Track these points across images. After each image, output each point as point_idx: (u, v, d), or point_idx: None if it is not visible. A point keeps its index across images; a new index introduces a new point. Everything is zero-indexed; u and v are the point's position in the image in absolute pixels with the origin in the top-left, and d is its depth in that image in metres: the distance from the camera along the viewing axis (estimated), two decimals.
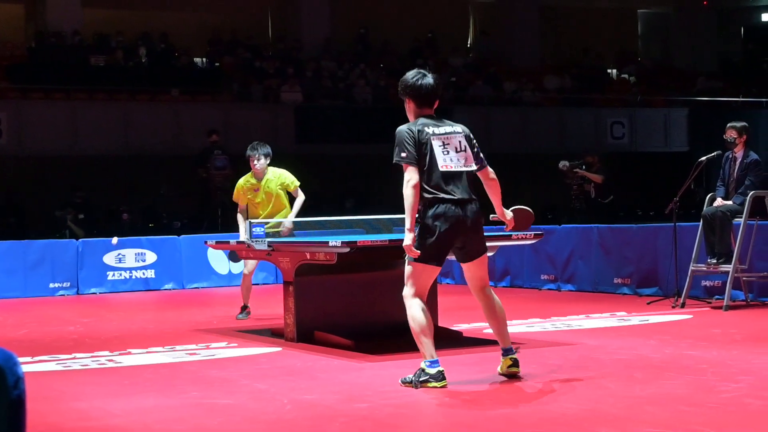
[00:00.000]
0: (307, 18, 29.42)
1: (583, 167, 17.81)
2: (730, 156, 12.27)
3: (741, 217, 11.75)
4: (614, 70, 33.47)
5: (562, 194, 19.62)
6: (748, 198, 11.73)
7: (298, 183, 12.23)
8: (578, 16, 34.69)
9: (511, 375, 7.34)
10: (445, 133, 7.26)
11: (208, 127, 21.47)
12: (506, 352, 7.37)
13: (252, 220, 10.56)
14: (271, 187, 12.19)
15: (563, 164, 17.84)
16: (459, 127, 7.39)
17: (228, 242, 11.64)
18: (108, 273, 16.49)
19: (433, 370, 7.07)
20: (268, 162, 12.22)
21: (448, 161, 7.18)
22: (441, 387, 7.01)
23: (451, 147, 7.24)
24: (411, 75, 7.40)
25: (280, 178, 12.23)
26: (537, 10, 32.90)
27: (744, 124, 12.32)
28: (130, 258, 16.68)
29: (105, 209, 22.17)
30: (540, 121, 26.79)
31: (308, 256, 9.40)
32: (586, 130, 27.91)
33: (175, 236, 17.42)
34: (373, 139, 23.66)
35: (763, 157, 12.60)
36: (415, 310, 7.16)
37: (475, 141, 7.42)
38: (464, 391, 6.96)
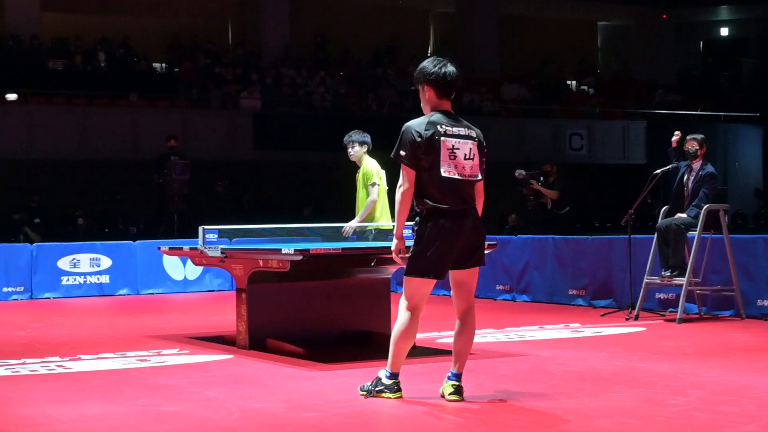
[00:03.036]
0: (267, 25, 29.36)
1: (541, 177, 17.54)
2: (686, 167, 12.30)
3: (695, 230, 11.80)
4: (573, 82, 33.63)
5: (518, 206, 19.60)
6: (702, 211, 11.78)
7: (374, 180, 11.24)
8: (538, 28, 34.87)
9: (450, 400, 6.91)
10: (458, 136, 6.81)
11: (166, 133, 21.30)
12: (456, 377, 6.96)
13: (206, 227, 10.29)
14: (357, 177, 11.47)
15: (519, 173, 17.56)
16: (474, 132, 6.91)
17: (182, 248, 11.55)
18: (62, 278, 16.32)
19: (389, 381, 6.98)
20: (364, 150, 11.33)
21: (452, 169, 6.74)
22: (395, 398, 6.94)
23: (460, 153, 6.78)
24: (431, 62, 6.90)
25: (363, 169, 11.35)
26: (497, 20, 33.00)
27: (703, 136, 12.38)
28: (84, 263, 16.52)
29: (61, 214, 21.99)
30: (498, 132, 26.78)
31: (261, 264, 9.34)
32: (545, 141, 27.99)
33: (131, 242, 17.29)
34: (332, 147, 23.42)
35: (719, 171, 12.68)
36: (403, 321, 6.86)
37: (486, 150, 6.99)
38: (414, 401, 6.93)
